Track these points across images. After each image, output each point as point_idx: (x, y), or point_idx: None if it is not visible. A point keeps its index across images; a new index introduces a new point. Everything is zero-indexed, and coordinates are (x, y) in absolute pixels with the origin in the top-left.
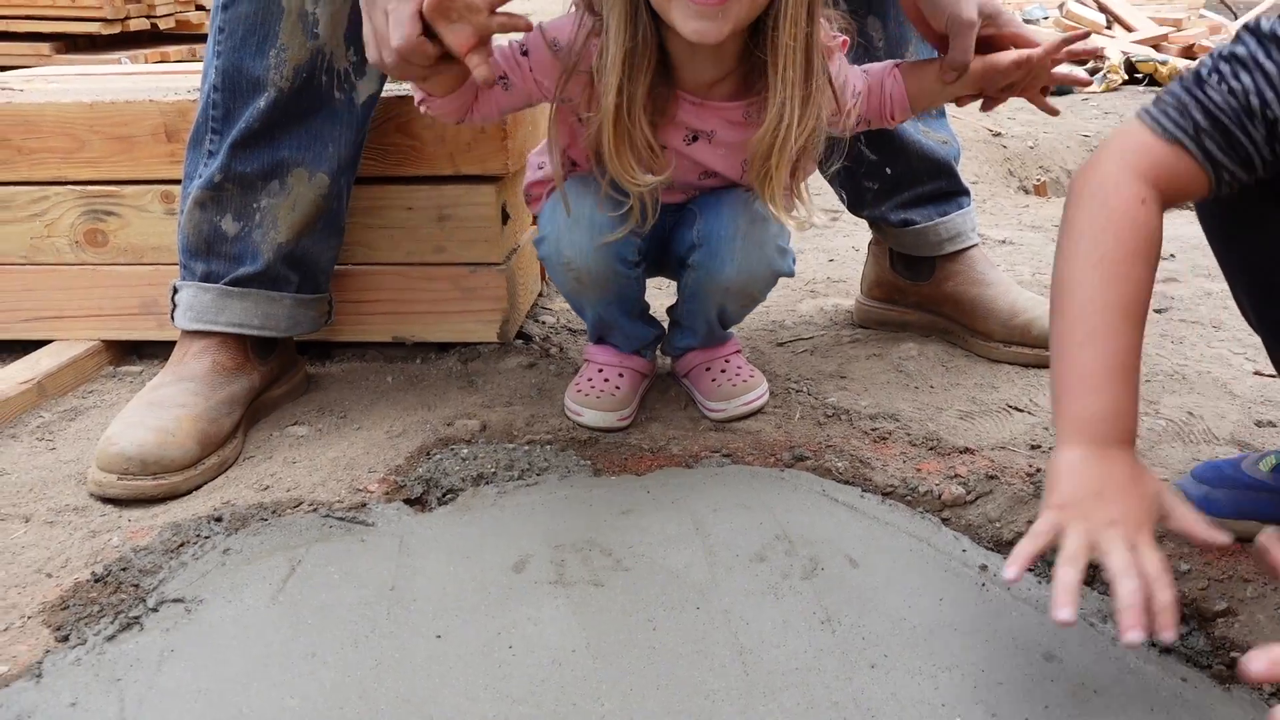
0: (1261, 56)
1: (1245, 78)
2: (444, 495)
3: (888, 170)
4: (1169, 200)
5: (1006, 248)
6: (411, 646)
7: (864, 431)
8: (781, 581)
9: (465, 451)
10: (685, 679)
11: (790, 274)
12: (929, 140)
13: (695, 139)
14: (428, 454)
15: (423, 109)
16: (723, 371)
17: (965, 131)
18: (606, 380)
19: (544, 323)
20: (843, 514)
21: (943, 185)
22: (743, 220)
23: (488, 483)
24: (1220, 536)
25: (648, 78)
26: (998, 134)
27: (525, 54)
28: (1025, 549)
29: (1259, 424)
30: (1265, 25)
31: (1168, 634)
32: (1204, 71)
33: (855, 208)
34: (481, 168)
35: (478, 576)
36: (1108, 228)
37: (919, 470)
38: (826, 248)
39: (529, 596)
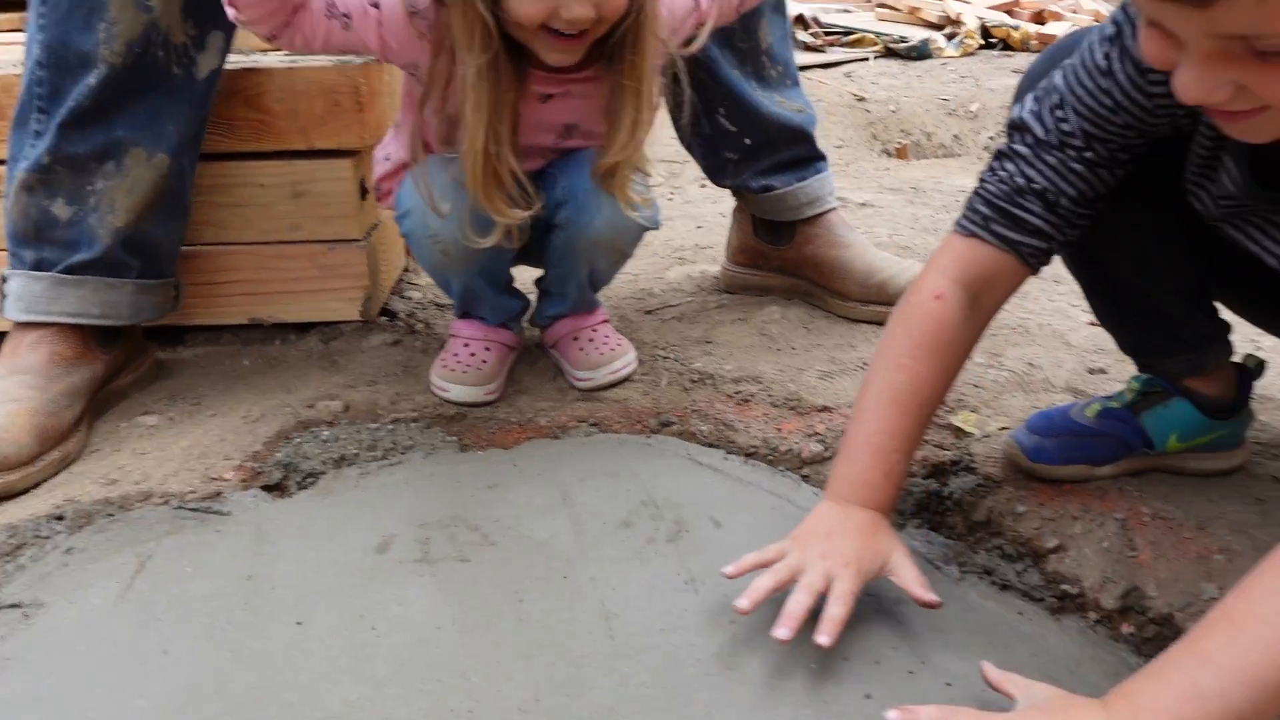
0: (1016, 144)
1: (1009, 165)
2: (304, 480)
3: (746, 141)
4: (980, 288)
5: (866, 210)
6: (270, 635)
7: (728, 395)
8: (647, 546)
9: (326, 434)
10: (552, 647)
11: (657, 226)
12: (785, 109)
13: (549, 98)
14: (287, 438)
15: (230, 13)
16: (590, 341)
17: (830, 96)
18: (473, 355)
19: (409, 298)
20: (707, 477)
21: (800, 152)
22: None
23: (350, 464)
24: (932, 598)
25: (511, 115)
26: (861, 98)
27: (377, 5)
28: (751, 559)
29: (1091, 371)
30: (1014, 114)
31: (824, 639)
32: (984, 172)
33: (716, 178)
34: (336, 142)
35: (339, 560)
36: (899, 323)
37: (780, 430)
38: (695, 215)
39: (393, 577)
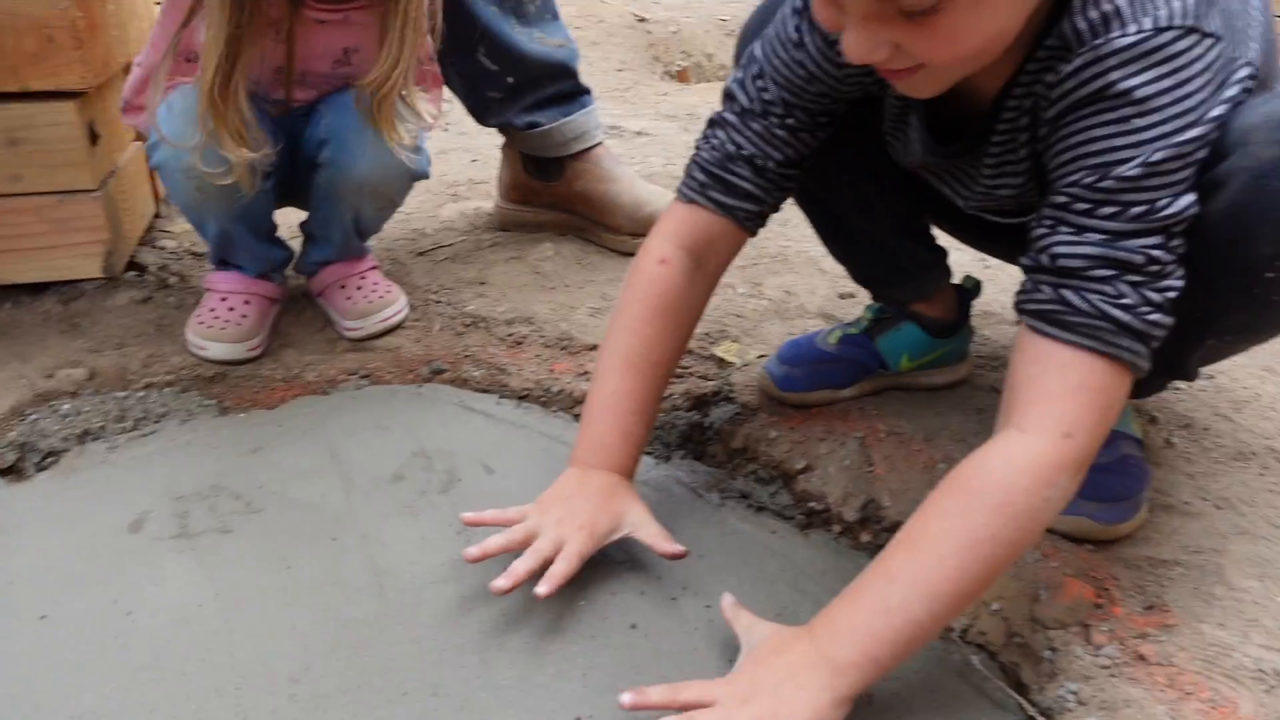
0: (725, 112)
1: (720, 133)
2: (43, 460)
3: (509, 79)
4: (703, 251)
5: (642, 139)
6: (12, 634)
7: (500, 338)
8: (419, 499)
9: (68, 407)
10: (321, 613)
11: (426, 175)
12: (545, 46)
13: (324, 23)
14: (22, 415)
15: None
16: (358, 288)
17: (611, 17)
18: (231, 309)
19: (162, 248)
20: (479, 423)
21: (564, 87)
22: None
23: (96, 439)
24: (675, 549)
25: (252, 49)
26: (643, 19)
27: None
28: (491, 514)
29: (841, 296)
30: (727, 86)
31: (542, 588)
32: (699, 139)
33: (482, 117)
34: (55, 82)
35: (87, 544)
36: (628, 288)
37: (552, 371)
38: (470, 147)
39: (148, 556)
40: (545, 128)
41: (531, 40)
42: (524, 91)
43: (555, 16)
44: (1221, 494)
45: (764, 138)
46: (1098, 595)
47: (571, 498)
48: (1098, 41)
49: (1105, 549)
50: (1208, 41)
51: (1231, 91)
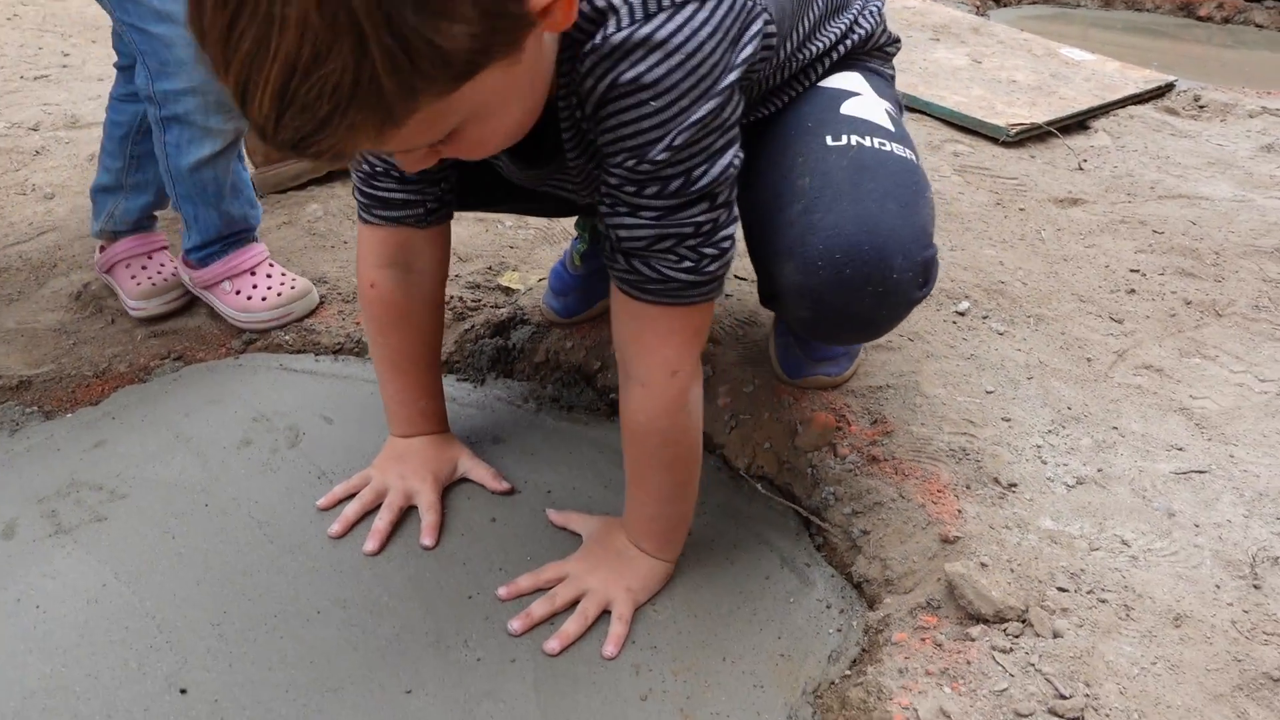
0: None
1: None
2: None
3: None
4: (405, 259)
5: None
6: None
7: None
8: (273, 456)
9: None
10: (220, 566)
11: None
12: None
13: None
14: None
15: None
16: (145, 268)
17: None
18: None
19: None
20: (305, 381)
21: None
22: None
23: None
24: (504, 486)
25: None
26: None
27: None
28: (337, 490)
29: None
30: None
31: (427, 541)
32: (351, 163)
33: None
34: None
35: None
36: (362, 313)
37: (358, 324)
38: None
39: (33, 556)
40: None
41: None
42: None
43: None
44: (912, 330)
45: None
46: (838, 421)
47: (404, 456)
48: (596, 41)
49: (839, 387)
50: (711, 3)
51: (746, 52)
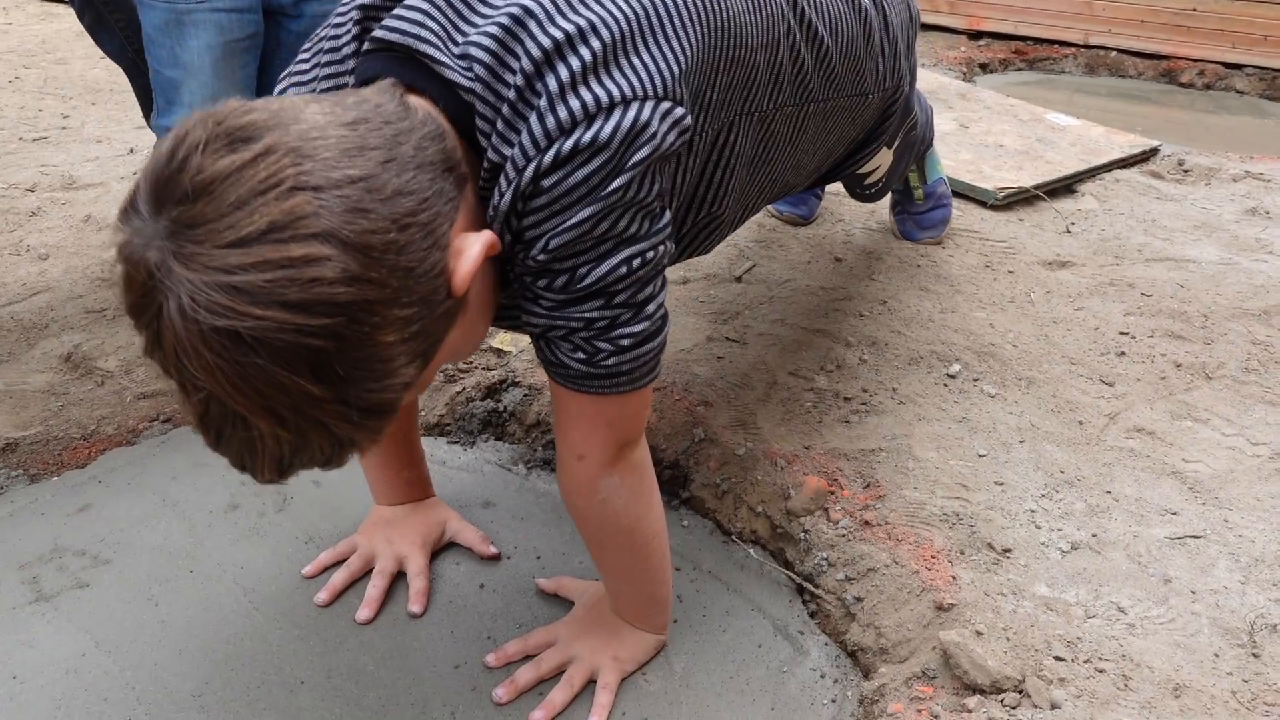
0: None
1: None
2: None
3: None
4: None
5: None
6: None
7: None
8: (259, 521)
9: None
10: (203, 635)
11: None
12: None
13: None
14: None
15: None
16: None
17: None
18: None
19: None
20: None
21: None
22: None
23: None
24: (491, 551)
25: None
26: None
27: None
28: (324, 558)
29: None
30: None
31: (415, 609)
32: None
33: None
34: None
35: None
36: None
37: None
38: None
39: (12, 624)
40: None
41: None
42: None
43: None
44: (904, 392)
45: None
46: (830, 485)
47: (392, 522)
48: (504, 189)
49: (830, 449)
50: (591, 151)
51: (640, 155)
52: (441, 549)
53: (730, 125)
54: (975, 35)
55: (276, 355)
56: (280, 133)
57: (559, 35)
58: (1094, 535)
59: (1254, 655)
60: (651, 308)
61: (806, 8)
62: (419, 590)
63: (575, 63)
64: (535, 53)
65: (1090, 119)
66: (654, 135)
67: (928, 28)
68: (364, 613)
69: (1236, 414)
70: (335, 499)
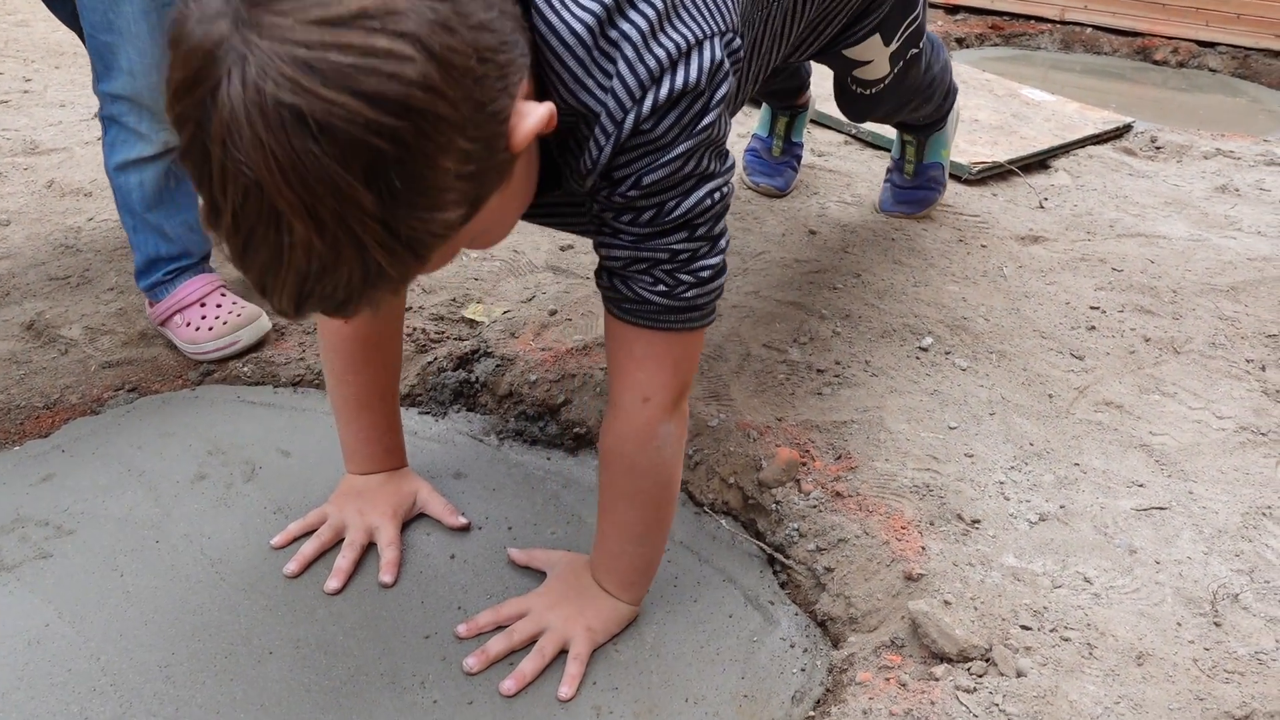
0: None
1: None
2: None
3: None
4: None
5: None
6: None
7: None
8: (227, 491)
9: None
10: (170, 607)
11: None
12: None
13: None
14: None
15: None
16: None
17: None
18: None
19: None
20: (262, 413)
21: None
22: None
23: None
24: (461, 521)
25: None
26: None
27: None
28: (293, 529)
29: (562, 249)
30: None
31: (387, 578)
32: None
33: None
34: None
35: None
36: (324, 348)
37: (319, 355)
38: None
39: None
40: None
41: None
42: None
43: None
44: (877, 365)
45: None
46: (802, 456)
47: (363, 492)
48: (602, 142)
49: (802, 421)
50: (685, 94)
51: (721, 91)
52: (412, 519)
53: (753, 27)
54: (952, 10)
55: (337, 146)
56: None
57: None
58: (1062, 507)
59: (1215, 624)
60: (723, 242)
61: None
62: (390, 560)
63: (649, 10)
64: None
65: (1065, 95)
66: (726, 71)
67: None
68: (332, 583)
69: (1203, 388)
70: (304, 470)
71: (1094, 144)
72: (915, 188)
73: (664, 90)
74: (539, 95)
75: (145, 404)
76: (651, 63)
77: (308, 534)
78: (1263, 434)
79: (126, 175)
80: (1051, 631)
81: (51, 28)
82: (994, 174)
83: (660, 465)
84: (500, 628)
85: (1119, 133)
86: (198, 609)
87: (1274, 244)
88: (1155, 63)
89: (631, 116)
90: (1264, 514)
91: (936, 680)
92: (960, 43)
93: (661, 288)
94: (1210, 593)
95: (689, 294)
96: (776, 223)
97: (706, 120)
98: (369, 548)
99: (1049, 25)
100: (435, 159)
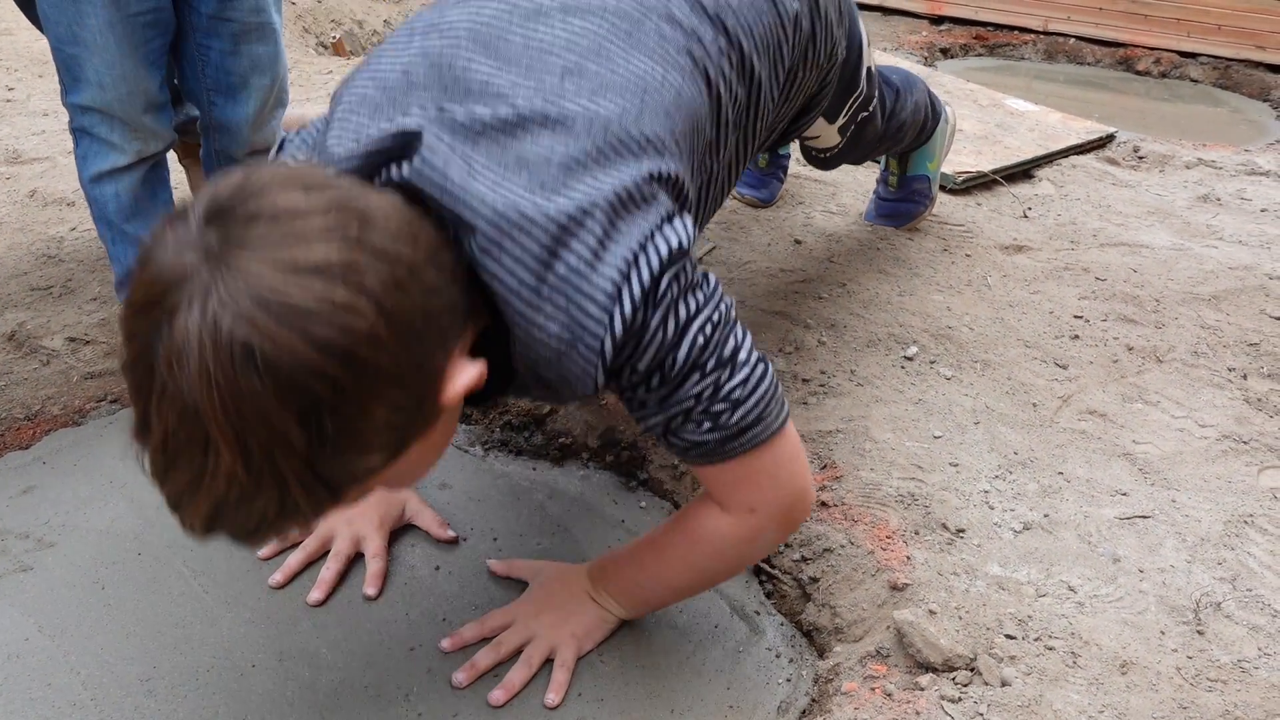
0: None
1: None
2: None
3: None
4: None
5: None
6: None
7: None
8: None
9: None
10: (152, 619)
11: None
12: None
13: None
14: None
15: None
16: None
17: None
18: None
19: None
20: None
21: None
22: None
23: None
24: (449, 535)
25: None
26: None
27: None
28: (295, 556)
29: None
30: None
31: (371, 590)
32: None
33: None
34: None
35: None
36: None
37: None
38: None
39: None
40: None
41: None
42: None
43: None
44: (862, 374)
45: None
46: None
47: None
48: (592, 372)
49: None
50: (646, 302)
51: (678, 267)
52: (398, 531)
53: (700, 172)
54: (937, 20)
55: (279, 384)
56: (351, 194)
57: (562, 218)
58: (1046, 515)
59: (1199, 632)
60: (743, 355)
61: (739, 43)
62: (375, 572)
63: (589, 237)
64: (551, 231)
65: (1048, 105)
66: (684, 247)
67: (890, 12)
68: (315, 595)
69: (1185, 396)
70: None
71: (1077, 154)
72: (899, 200)
73: (627, 305)
74: (499, 331)
75: (128, 415)
76: (607, 285)
77: (294, 545)
78: (1245, 442)
79: (102, 186)
80: (1036, 640)
81: (34, 36)
82: (978, 184)
83: (745, 559)
84: (485, 640)
85: (1102, 142)
86: (180, 622)
87: (1255, 253)
88: (1138, 73)
89: (608, 342)
90: (1246, 522)
91: (922, 690)
92: (945, 53)
93: (707, 425)
94: (1193, 601)
95: (734, 419)
96: (762, 232)
97: (675, 294)
98: (356, 559)
99: (1032, 36)
100: (368, 406)
